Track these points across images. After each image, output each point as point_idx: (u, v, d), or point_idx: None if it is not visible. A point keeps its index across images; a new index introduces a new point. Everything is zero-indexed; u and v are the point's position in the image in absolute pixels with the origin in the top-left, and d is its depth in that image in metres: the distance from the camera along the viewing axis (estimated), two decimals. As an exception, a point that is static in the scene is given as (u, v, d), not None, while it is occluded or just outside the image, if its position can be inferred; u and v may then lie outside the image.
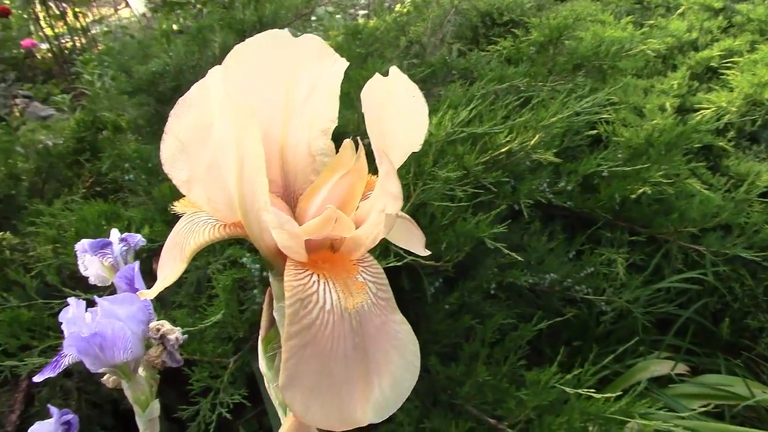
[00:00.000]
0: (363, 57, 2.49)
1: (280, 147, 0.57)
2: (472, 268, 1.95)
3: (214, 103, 0.47)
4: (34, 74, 7.33)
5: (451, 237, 1.66)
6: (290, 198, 0.58)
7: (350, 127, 2.04)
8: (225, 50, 2.53)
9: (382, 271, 0.51)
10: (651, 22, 3.63)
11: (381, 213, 0.48)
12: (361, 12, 5.73)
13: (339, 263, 0.51)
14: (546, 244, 2.14)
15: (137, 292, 0.73)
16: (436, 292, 1.89)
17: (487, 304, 1.91)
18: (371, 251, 0.51)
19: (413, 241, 0.63)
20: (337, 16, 5.04)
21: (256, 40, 0.53)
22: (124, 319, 0.77)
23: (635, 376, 2.07)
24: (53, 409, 0.88)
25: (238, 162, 0.46)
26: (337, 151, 0.59)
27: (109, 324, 0.76)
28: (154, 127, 2.38)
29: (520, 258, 1.69)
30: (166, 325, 0.87)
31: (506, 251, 1.61)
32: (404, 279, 1.86)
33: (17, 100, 6.35)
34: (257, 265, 1.60)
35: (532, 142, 1.86)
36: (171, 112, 0.48)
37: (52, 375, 0.83)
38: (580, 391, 1.58)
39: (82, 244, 0.96)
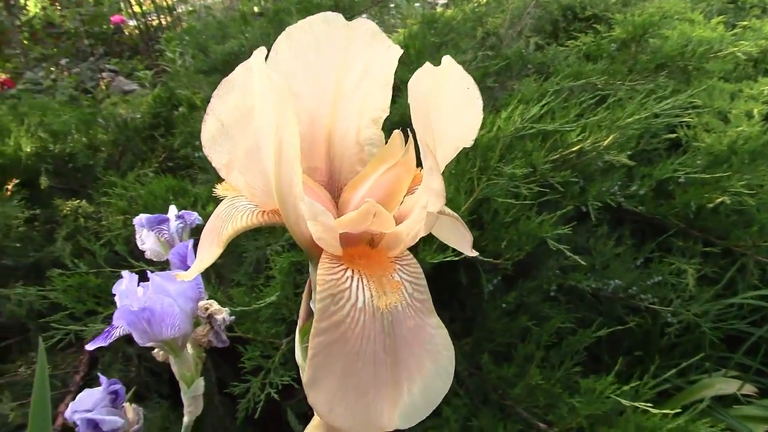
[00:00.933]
0: (437, 46, 2.46)
1: (327, 133, 0.55)
2: (533, 267, 1.90)
3: (256, 86, 0.45)
4: (122, 50, 7.61)
5: (513, 235, 1.62)
6: (335, 187, 0.57)
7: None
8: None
9: (421, 270, 0.49)
10: (744, 23, 3.43)
11: (423, 210, 0.46)
12: (441, 1, 5.67)
13: (376, 259, 0.49)
14: (613, 248, 2.07)
15: (175, 274, 0.74)
16: (494, 289, 1.85)
17: (546, 305, 1.86)
18: (413, 248, 0.49)
19: (461, 241, 0.60)
20: (416, 4, 5.01)
21: (308, 22, 0.52)
22: (173, 296, 0.78)
23: (698, 393, 1.98)
24: (102, 378, 0.90)
25: (276, 148, 0.44)
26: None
27: (159, 300, 0.77)
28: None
29: (583, 262, 1.64)
30: (214, 305, 0.88)
31: (569, 254, 1.56)
32: (462, 274, 1.84)
33: (104, 74, 6.61)
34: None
35: (606, 142, 1.79)
36: (214, 92, 0.47)
37: (103, 344, 0.85)
38: (637, 404, 1.52)
39: (140, 219, 0.98)
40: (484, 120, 1.64)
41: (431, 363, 0.48)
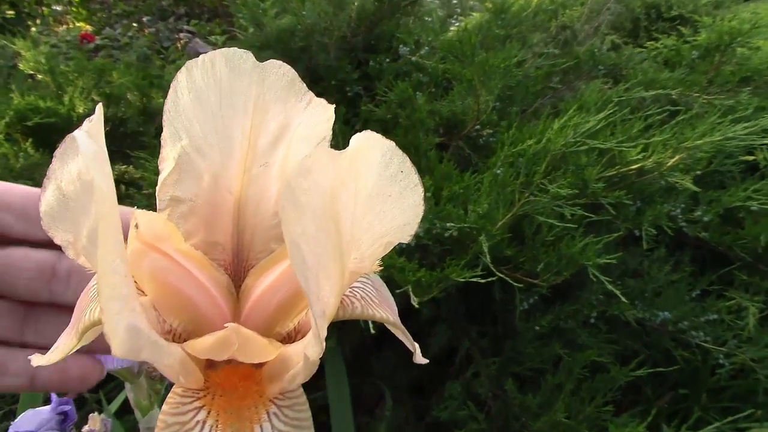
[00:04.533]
0: (502, 39, 2.31)
1: (235, 200, 0.44)
2: (574, 288, 1.76)
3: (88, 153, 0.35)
4: (201, 11, 7.69)
5: (553, 258, 1.49)
6: (241, 267, 0.45)
7: (469, 116, 1.90)
8: (362, 15, 2.45)
9: (308, 417, 0.37)
10: None
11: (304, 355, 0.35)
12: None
13: (243, 397, 0.36)
14: (668, 275, 1.90)
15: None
16: (530, 308, 1.73)
17: (584, 332, 1.72)
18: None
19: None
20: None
21: (209, 59, 0.41)
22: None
23: (746, 444, 1.81)
24: (53, 396, 0.84)
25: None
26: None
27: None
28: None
29: (624, 298, 1.49)
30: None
31: (609, 286, 1.42)
32: (496, 289, 1.72)
33: (181, 35, 6.69)
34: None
35: (670, 163, 1.63)
36: (56, 151, 0.37)
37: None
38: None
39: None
40: (534, 128, 1.51)
41: None
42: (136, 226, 0.38)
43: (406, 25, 2.48)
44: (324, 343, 0.34)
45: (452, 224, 1.44)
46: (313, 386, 1.82)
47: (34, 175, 2.18)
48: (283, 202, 0.30)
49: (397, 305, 0.46)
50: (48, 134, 2.52)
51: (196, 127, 0.41)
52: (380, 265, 0.43)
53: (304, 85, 0.45)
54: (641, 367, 1.66)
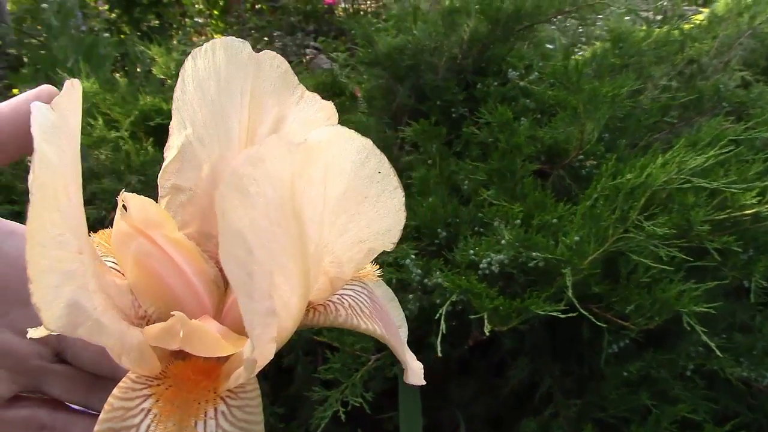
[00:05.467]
0: (617, 68, 2.21)
1: None
2: (671, 336, 1.64)
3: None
4: (330, 29, 7.96)
5: (645, 300, 1.39)
6: None
7: (572, 145, 1.82)
8: (474, 37, 2.42)
9: (257, 420, 0.35)
10: None
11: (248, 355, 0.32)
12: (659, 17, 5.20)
13: (191, 390, 0.34)
14: (783, 333, 1.73)
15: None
16: (620, 351, 1.62)
17: (678, 384, 1.59)
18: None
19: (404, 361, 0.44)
20: (626, 17, 4.62)
21: (211, 46, 0.40)
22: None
23: None
24: None
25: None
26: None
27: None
28: (382, 103, 2.37)
29: (720, 353, 1.37)
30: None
31: (704, 337, 1.30)
32: (585, 327, 1.63)
33: (308, 51, 6.95)
34: (419, 271, 1.50)
35: (791, 210, 1.49)
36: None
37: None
38: None
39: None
40: (633, 162, 1.42)
41: None
42: (124, 207, 0.38)
43: (519, 50, 2.43)
44: (270, 345, 0.32)
45: (538, 254, 1.38)
46: (391, 405, 1.80)
47: (147, 172, 2.31)
48: (226, 189, 0.27)
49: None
50: (167, 134, 2.67)
51: (199, 117, 0.41)
52: (380, 275, 0.40)
53: (296, 77, 0.43)
54: (740, 430, 1.52)
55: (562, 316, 1.26)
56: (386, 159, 0.35)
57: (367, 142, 0.33)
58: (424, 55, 2.30)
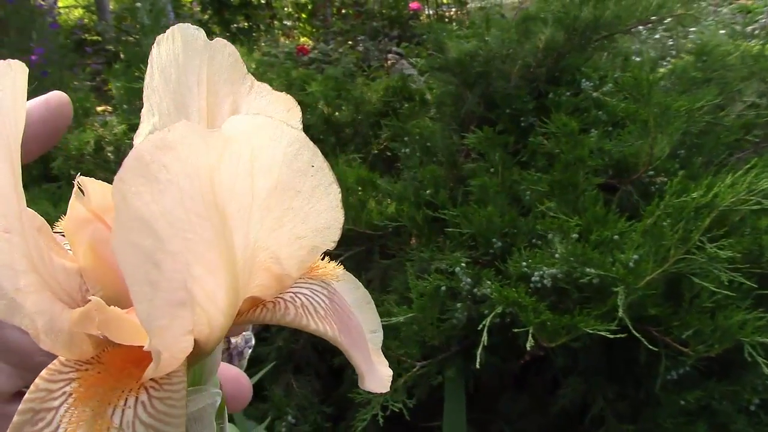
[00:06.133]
0: (699, 83, 2.11)
1: None
2: (735, 366, 1.55)
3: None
4: (413, 35, 7.97)
5: (706, 326, 1.32)
6: None
7: (641, 159, 1.75)
8: (550, 46, 2.37)
9: (178, 414, 0.32)
10: None
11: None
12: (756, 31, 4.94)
13: (117, 377, 0.34)
14: None
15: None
16: (679, 378, 1.54)
17: (740, 419, 1.50)
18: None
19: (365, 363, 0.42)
20: (721, 31, 4.41)
21: (171, 32, 0.39)
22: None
23: None
24: None
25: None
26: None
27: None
28: (451, 109, 2.35)
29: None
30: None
31: (766, 370, 1.22)
32: (642, 350, 1.56)
33: (389, 56, 6.99)
34: (469, 279, 1.47)
35: None
36: None
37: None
38: None
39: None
40: (699, 182, 1.35)
41: None
42: (82, 192, 0.38)
43: (596, 60, 2.36)
44: (185, 337, 0.31)
45: (592, 271, 1.33)
46: (439, 414, 1.78)
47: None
48: (128, 174, 0.26)
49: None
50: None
51: (164, 105, 0.41)
52: (338, 276, 0.39)
53: (245, 66, 0.42)
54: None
55: (611, 336, 1.21)
56: (320, 153, 0.34)
57: (299, 134, 0.32)
58: (495, 62, 2.26)
